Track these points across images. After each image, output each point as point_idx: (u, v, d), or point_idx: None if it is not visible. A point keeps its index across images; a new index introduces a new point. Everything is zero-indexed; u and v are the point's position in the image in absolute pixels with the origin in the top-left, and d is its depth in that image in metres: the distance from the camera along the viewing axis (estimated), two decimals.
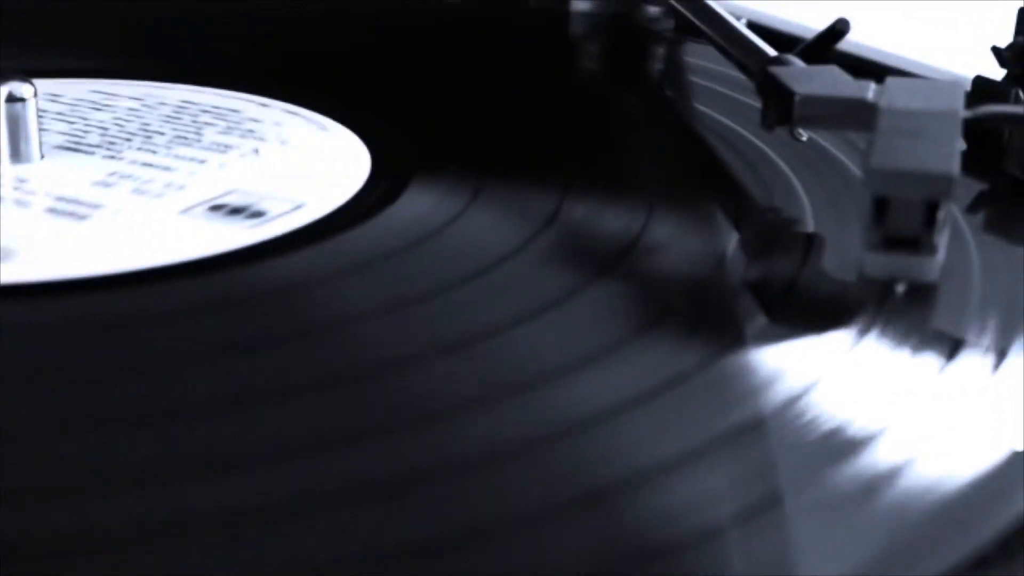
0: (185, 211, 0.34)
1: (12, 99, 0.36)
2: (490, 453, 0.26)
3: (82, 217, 0.33)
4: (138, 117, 0.40)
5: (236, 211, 0.34)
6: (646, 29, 0.55)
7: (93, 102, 0.42)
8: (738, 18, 0.48)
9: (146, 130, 0.39)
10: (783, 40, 0.53)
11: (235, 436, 0.26)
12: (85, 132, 0.39)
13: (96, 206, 0.34)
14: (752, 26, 0.51)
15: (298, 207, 0.35)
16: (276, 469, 0.25)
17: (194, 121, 0.40)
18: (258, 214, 0.34)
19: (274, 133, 0.39)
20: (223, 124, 0.40)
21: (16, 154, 0.37)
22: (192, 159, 0.37)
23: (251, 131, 0.39)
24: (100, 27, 0.54)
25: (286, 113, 0.41)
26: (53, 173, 0.36)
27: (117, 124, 0.40)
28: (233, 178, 0.36)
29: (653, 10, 0.55)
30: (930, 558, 0.24)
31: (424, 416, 0.27)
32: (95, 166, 0.37)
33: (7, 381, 0.27)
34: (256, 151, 0.38)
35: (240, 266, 0.33)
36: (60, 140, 0.38)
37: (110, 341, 0.30)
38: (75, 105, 0.41)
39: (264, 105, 0.42)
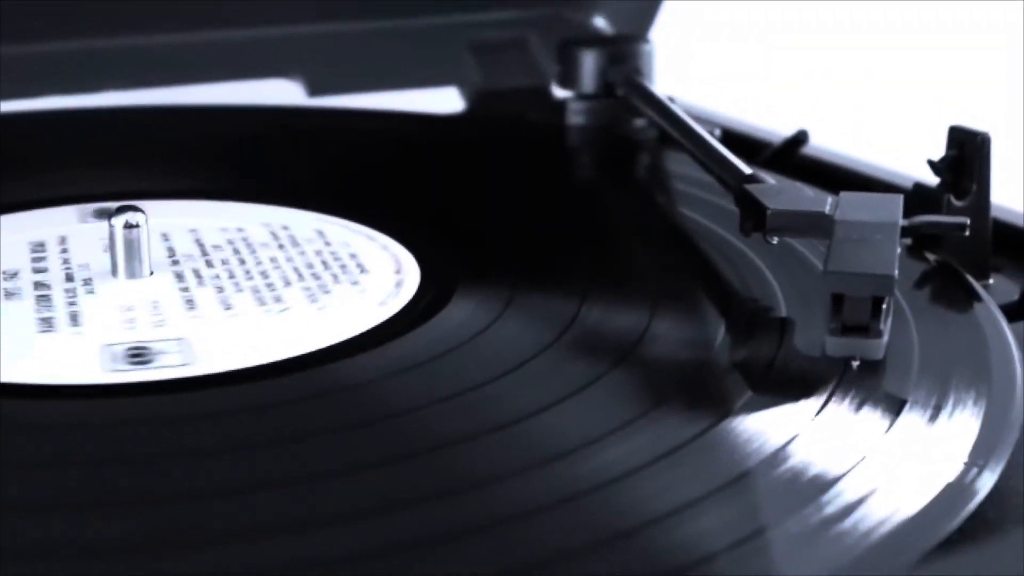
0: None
1: (128, 226, 0.40)
2: (535, 508, 0.30)
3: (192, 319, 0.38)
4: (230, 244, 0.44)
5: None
6: (633, 140, 0.57)
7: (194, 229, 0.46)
8: (712, 130, 0.51)
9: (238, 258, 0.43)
10: (753, 144, 0.58)
11: (334, 497, 0.30)
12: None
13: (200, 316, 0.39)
14: (726, 132, 0.55)
15: (362, 315, 0.39)
16: (371, 522, 0.29)
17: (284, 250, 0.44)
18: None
19: (345, 250, 0.44)
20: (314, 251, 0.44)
21: (131, 272, 0.41)
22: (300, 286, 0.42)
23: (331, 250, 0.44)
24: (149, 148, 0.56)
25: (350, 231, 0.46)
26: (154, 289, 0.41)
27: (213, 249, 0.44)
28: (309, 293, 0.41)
29: (639, 122, 0.57)
30: (886, 568, 0.28)
31: (479, 482, 0.31)
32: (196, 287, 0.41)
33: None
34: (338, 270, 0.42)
35: (322, 365, 0.36)
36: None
37: (220, 428, 0.33)
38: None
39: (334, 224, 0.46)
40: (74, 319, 0.39)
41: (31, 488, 0.31)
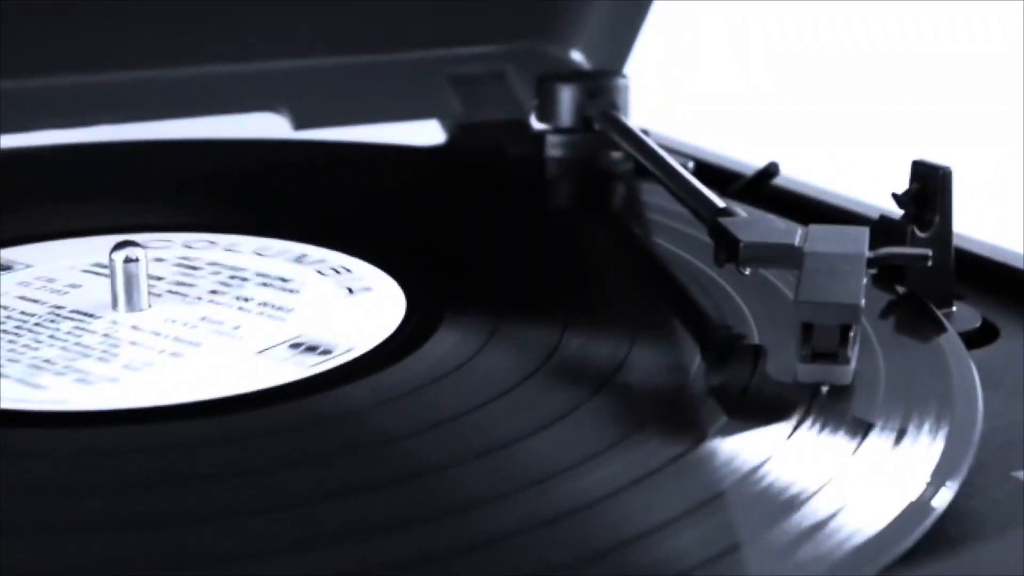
0: (262, 351, 0.40)
1: (127, 260, 0.42)
2: (522, 529, 0.31)
3: (179, 354, 0.40)
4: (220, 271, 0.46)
5: (311, 348, 0.40)
6: (610, 172, 0.58)
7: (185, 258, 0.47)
8: (685, 162, 0.52)
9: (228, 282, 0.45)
10: (726, 174, 0.59)
11: (327, 520, 0.31)
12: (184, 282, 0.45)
13: (194, 344, 0.40)
14: (699, 163, 0.57)
15: (351, 347, 0.40)
16: (361, 545, 0.30)
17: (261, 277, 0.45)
18: (325, 351, 0.40)
19: (333, 281, 0.45)
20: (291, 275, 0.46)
21: (130, 304, 0.42)
22: (271, 305, 0.43)
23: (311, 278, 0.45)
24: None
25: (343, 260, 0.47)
26: (161, 318, 0.42)
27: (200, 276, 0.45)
28: (301, 323, 0.42)
29: (616, 155, 0.58)
30: None
31: (465, 505, 0.32)
32: (188, 312, 0.42)
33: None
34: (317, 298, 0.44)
35: (315, 394, 0.37)
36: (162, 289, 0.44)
37: (215, 455, 0.35)
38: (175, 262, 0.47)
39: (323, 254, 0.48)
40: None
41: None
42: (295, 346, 0.40)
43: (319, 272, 0.46)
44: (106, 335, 0.41)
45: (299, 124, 0.64)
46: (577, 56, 0.69)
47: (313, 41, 0.65)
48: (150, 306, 0.43)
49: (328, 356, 0.40)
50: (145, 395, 0.37)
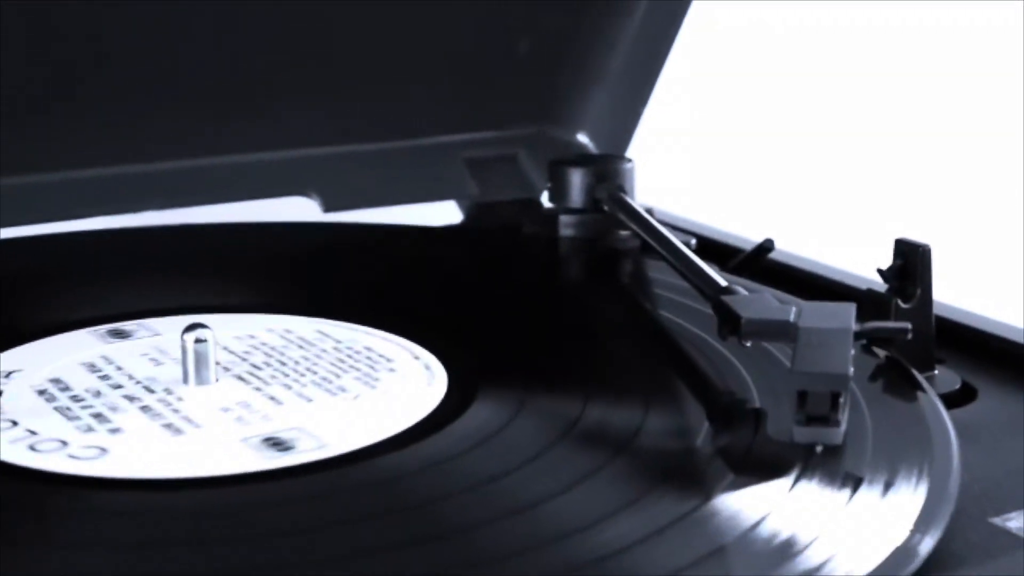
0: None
1: (198, 341, 0.45)
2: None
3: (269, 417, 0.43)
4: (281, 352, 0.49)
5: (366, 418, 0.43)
6: (619, 249, 0.61)
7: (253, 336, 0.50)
8: (688, 240, 0.55)
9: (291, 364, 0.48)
10: (726, 249, 0.62)
11: (376, 570, 0.34)
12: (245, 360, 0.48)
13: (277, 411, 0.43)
14: (701, 240, 0.60)
15: (396, 418, 0.43)
16: None
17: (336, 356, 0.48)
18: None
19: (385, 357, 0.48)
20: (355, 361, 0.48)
21: (200, 379, 0.45)
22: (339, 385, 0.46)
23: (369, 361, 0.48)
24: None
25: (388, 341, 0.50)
26: (231, 392, 0.45)
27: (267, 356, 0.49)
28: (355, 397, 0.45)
29: (624, 233, 0.61)
30: None
31: (499, 557, 0.35)
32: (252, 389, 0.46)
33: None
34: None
35: (363, 460, 0.40)
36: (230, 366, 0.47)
37: (271, 517, 0.37)
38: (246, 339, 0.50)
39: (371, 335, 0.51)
40: (190, 421, 0.44)
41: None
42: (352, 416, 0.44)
43: (351, 345, 0.50)
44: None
45: (328, 207, 0.68)
46: (583, 139, 0.73)
47: (340, 131, 0.69)
48: (217, 380, 0.46)
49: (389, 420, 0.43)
50: (210, 460, 0.41)
